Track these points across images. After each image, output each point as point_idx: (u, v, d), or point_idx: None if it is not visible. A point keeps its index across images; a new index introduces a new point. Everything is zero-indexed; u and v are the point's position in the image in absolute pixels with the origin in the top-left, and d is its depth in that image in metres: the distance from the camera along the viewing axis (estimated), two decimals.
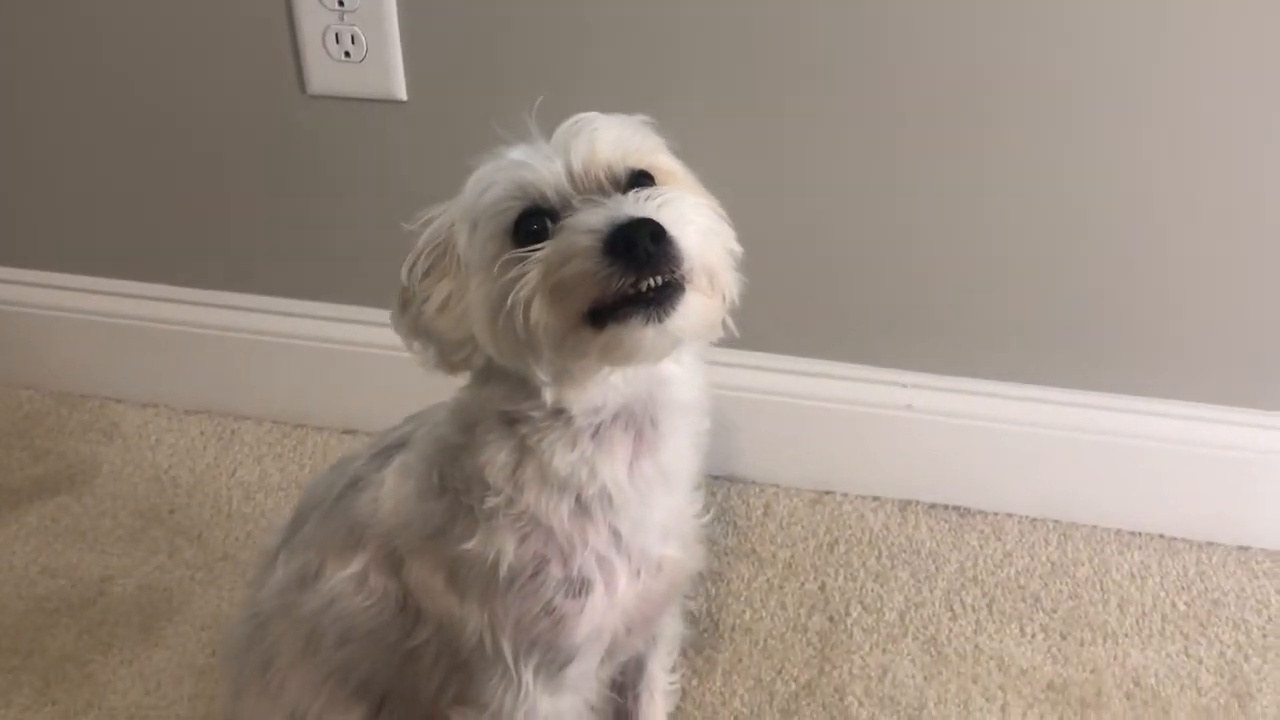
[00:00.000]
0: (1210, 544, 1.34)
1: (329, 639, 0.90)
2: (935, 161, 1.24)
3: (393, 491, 0.87)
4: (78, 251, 1.55)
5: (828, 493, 1.43)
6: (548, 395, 0.76)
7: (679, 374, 0.81)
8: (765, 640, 1.23)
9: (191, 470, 1.49)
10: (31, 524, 1.40)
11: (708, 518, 0.92)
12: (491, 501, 0.81)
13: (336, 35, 1.29)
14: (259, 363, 1.53)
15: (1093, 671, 1.19)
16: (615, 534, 0.83)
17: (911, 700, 1.16)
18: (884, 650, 1.22)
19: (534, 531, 0.82)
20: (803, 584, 1.30)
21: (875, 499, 1.42)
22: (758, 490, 1.43)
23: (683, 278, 0.70)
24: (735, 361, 1.38)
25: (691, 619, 1.23)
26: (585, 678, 0.88)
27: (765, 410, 1.40)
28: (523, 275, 0.71)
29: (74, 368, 1.60)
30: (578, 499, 0.81)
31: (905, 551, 1.35)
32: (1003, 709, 1.15)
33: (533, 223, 0.73)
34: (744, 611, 1.27)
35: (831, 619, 1.26)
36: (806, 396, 1.39)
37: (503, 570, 0.82)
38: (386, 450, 0.90)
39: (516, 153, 0.76)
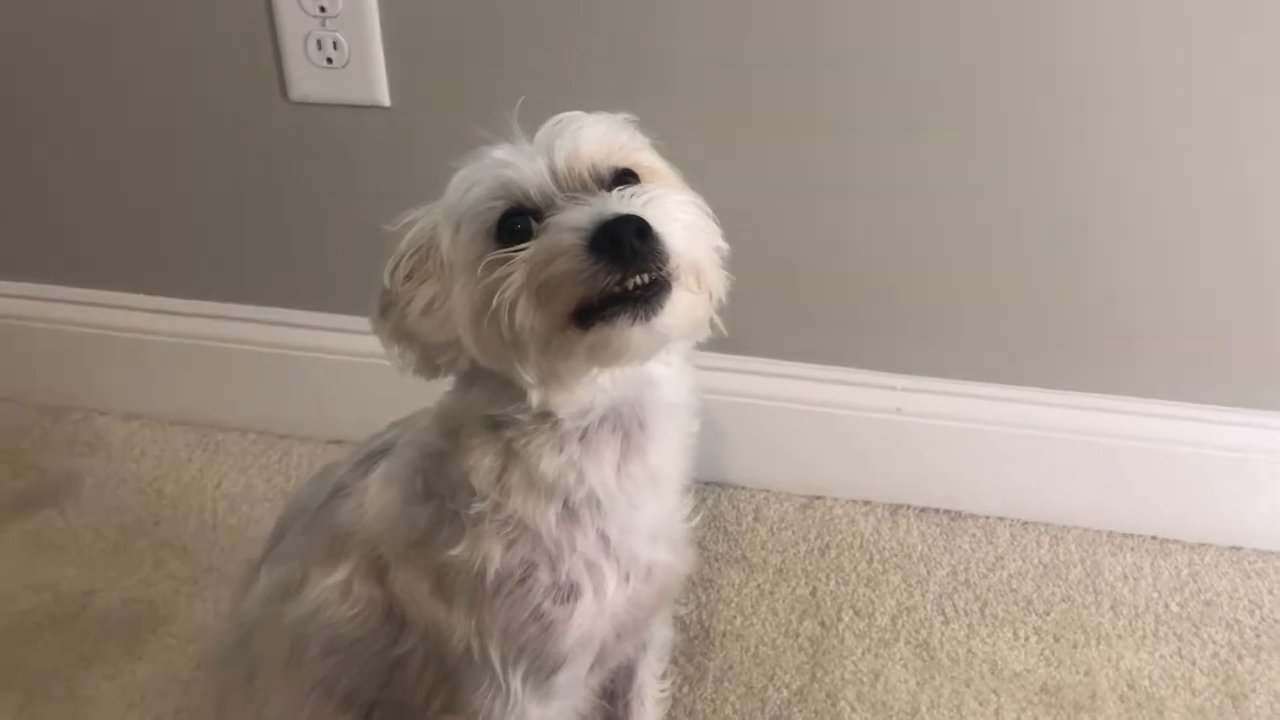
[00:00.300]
0: (1202, 545, 1.34)
1: (314, 649, 0.89)
2: (926, 164, 1.23)
3: (376, 498, 0.86)
4: (59, 262, 1.54)
5: (818, 497, 1.42)
6: (534, 398, 0.75)
7: (667, 375, 0.80)
8: (756, 646, 1.22)
9: (176, 482, 1.48)
10: (14, 539, 1.38)
11: (697, 521, 0.90)
12: (477, 507, 0.80)
13: (318, 41, 1.28)
14: (243, 373, 1.52)
15: (1086, 674, 1.18)
16: (604, 538, 0.82)
17: (904, 705, 1.15)
18: (876, 655, 1.21)
19: (521, 537, 0.81)
20: (794, 589, 1.29)
21: (866, 503, 1.41)
22: (748, 495, 1.42)
23: (669, 275, 0.69)
24: (725, 366, 1.37)
25: (682, 625, 1.23)
26: (574, 685, 0.87)
27: (755, 415, 1.39)
28: (507, 276, 0.70)
29: (56, 380, 1.59)
30: (565, 503, 0.80)
31: (896, 555, 1.34)
32: (996, 713, 1.14)
33: (516, 222, 0.72)
34: (735, 617, 1.26)
35: (823, 624, 1.25)
36: (796, 401, 1.38)
37: (490, 576, 0.81)
38: (370, 457, 0.89)
39: (499, 152, 0.75)
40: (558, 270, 0.69)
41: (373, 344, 0.83)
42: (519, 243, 0.71)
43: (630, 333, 0.69)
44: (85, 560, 1.35)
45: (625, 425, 0.80)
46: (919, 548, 1.35)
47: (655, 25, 1.22)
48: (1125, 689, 1.16)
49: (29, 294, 1.56)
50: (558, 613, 0.82)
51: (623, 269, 0.68)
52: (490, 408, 0.79)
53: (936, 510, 1.40)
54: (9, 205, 1.51)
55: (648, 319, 0.69)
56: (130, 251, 1.50)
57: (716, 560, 1.33)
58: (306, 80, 1.32)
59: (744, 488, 1.43)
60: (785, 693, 1.17)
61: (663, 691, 1.05)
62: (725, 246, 0.76)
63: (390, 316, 0.79)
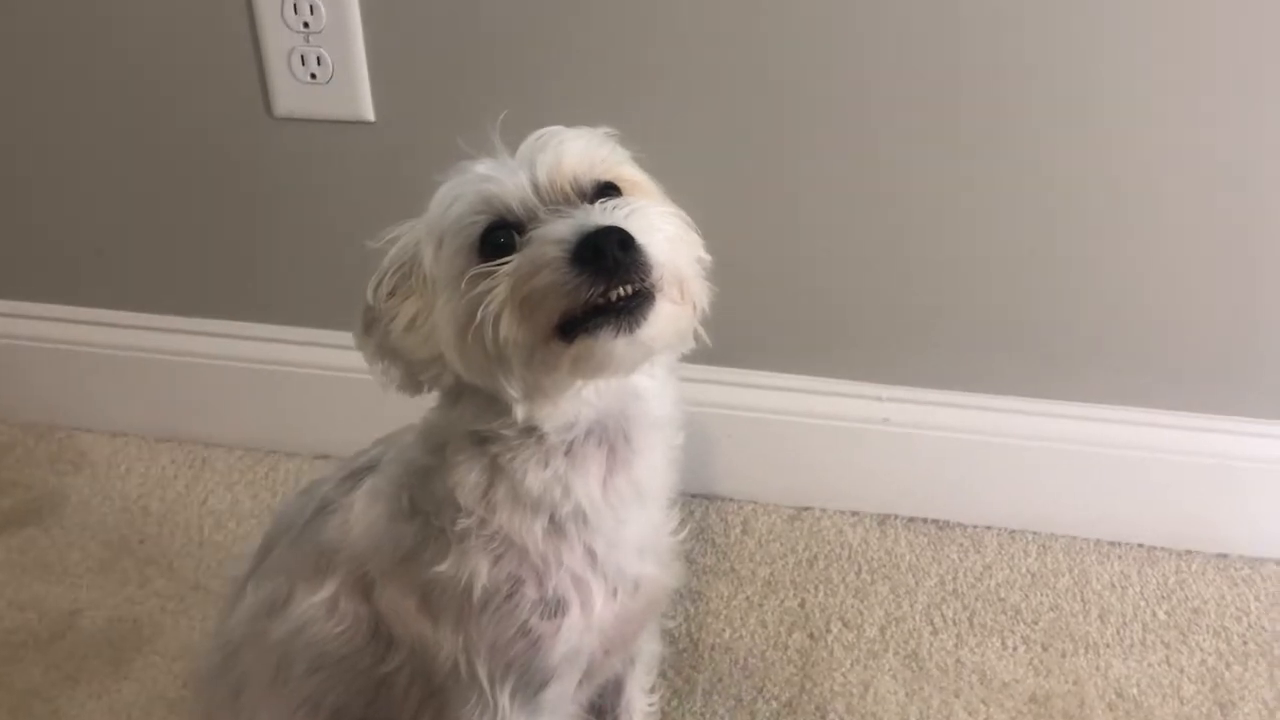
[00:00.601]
0: (1189, 552, 1.34)
1: (300, 666, 0.88)
2: (910, 174, 1.24)
3: (362, 515, 0.85)
4: (43, 279, 1.53)
5: (806, 508, 1.42)
6: (519, 412, 0.75)
7: (651, 388, 0.80)
8: (745, 659, 1.22)
9: (162, 499, 1.47)
10: None
11: (684, 535, 0.90)
12: (463, 523, 0.80)
13: (302, 57, 1.28)
14: (229, 389, 1.51)
15: (1075, 683, 1.18)
16: (590, 553, 0.82)
17: (894, 716, 1.15)
18: (865, 666, 1.21)
19: (507, 552, 0.81)
20: (782, 601, 1.29)
21: (854, 514, 1.41)
22: (736, 507, 1.42)
23: (653, 286, 0.69)
24: (711, 378, 1.37)
25: (671, 638, 1.22)
26: (562, 700, 0.87)
27: (742, 427, 1.39)
28: (491, 290, 0.70)
29: (40, 398, 1.58)
30: (551, 518, 0.80)
31: (885, 566, 1.34)
32: None
33: (499, 236, 0.72)
34: (724, 630, 1.25)
35: (812, 636, 1.25)
36: (783, 412, 1.38)
37: (476, 592, 0.80)
38: (355, 474, 0.89)
39: (481, 166, 0.75)
40: (541, 283, 0.69)
41: (359, 359, 0.83)
42: (502, 257, 0.71)
43: (614, 344, 0.69)
44: (70, 578, 1.34)
45: (610, 439, 0.79)
46: (907, 558, 1.35)
47: (640, 40, 1.22)
48: (1114, 697, 1.17)
49: (12, 311, 1.55)
50: (545, 628, 0.82)
51: (606, 280, 0.68)
52: (475, 423, 0.79)
53: (924, 520, 1.40)
54: None
55: (631, 330, 0.69)
56: (114, 268, 1.49)
57: (705, 573, 1.33)
58: (291, 96, 1.31)
59: (732, 500, 1.43)
60: (775, 705, 1.17)
61: (651, 705, 1.05)
62: (707, 258, 0.76)
63: (374, 333, 0.79)
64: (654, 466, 0.82)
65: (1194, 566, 1.32)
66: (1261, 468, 1.30)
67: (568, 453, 0.79)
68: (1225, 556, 1.33)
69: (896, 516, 1.40)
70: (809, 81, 1.21)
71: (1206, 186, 1.19)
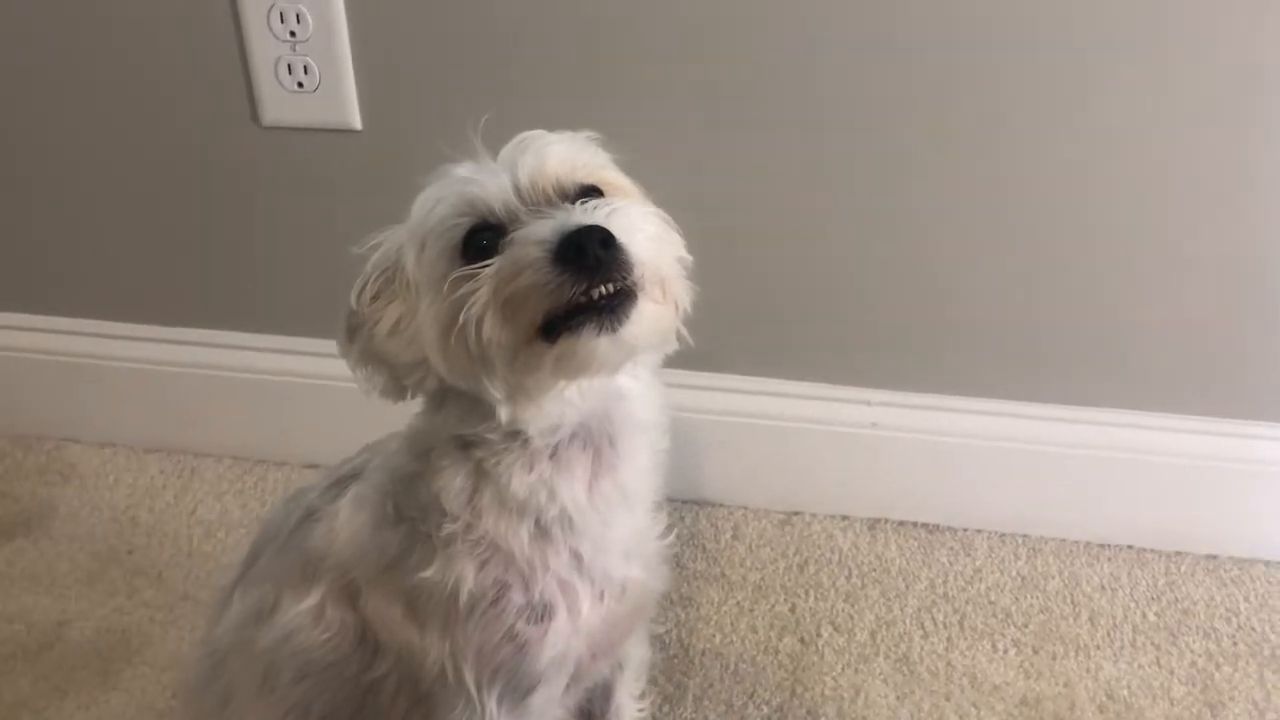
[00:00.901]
0: (1178, 554, 1.34)
1: (287, 674, 0.88)
2: (899, 178, 1.24)
3: (347, 522, 0.85)
4: (29, 290, 1.53)
5: (796, 513, 1.42)
6: (503, 414, 0.75)
7: (635, 390, 0.80)
8: (736, 664, 1.22)
9: (151, 509, 1.46)
10: None
11: (671, 539, 0.90)
12: (449, 528, 0.80)
13: (289, 66, 1.28)
14: (218, 399, 1.51)
15: (1065, 685, 1.18)
16: (576, 556, 0.82)
17: None
18: (856, 670, 1.21)
19: (493, 557, 0.81)
20: (773, 606, 1.29)
21: (844, 518, 1.41)
22: (726, 513, 1.42)
23: (634, 284, 0.70)
24: (699, 384, 1.37)
25: (661, 644, 1.22)
26: (550, 704, 0.86)
27: (731, 432, 1.39)
28: (474, 292, 0.70)
29: (28, 409, 1.57)
30: (537, 522, 0.80)
31: (875, 570, 1.34)
32: None
33: (482, 239, 0.72)
34: (714, 635, 1.25)
35: (802, 640, 1.24)
36: (772, 417, 1.38)
37: (463, 598, 0.80)
38: (341, 481, 0.89)
39: (463, 169, 0.76)
40: (524, 283, 0.69)
41: (346, 368, 0.83)
42: (484, 259, 0.71)
43: (596, 343, 0.70)
44: (59, 590, 1.34)
45: (595, 442, 0.80)
46: (897, 562, 1.35)
47: (624, 46, 1.23)
48: (1104, 699, 1.16)
49: None
50: (532, 633, 0.82)
51: (588, 279, 0.68)
52: (460, 427, 0.79)
53: (914, 524, 1.40)
54: None
55: (614, 329, 0.69)
56: (102, 278, 1.49)
57: (695, 578, 1.33)
58: (278, 105, 1.31)
59: (722, 505, 1.43)
60: (766, 710, 1.16)
61: (641, 711, 1.04)
62: (688, 258, 0.77)
63: (358, 338, 0.79)
64: (639, 470, 0.82)
65: (1183, 568, 1.32)
66: (1250, 469, 1.30)
67: (553, 456, 0.79)
68: (1214, 558, 1.34)
69: (886, 521, 1.40)
70: (796, 84, 1.21)
71: (1201, 189, 1.19)
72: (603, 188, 0.76)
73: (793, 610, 1.28)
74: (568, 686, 0.88)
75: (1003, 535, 1.38)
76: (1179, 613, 1.27)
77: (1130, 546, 1.35)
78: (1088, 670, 1.20)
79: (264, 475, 1.51)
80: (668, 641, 1.24)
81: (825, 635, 1.25)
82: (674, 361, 0.83)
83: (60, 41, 1.35)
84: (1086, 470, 1.33)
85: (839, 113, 1.22)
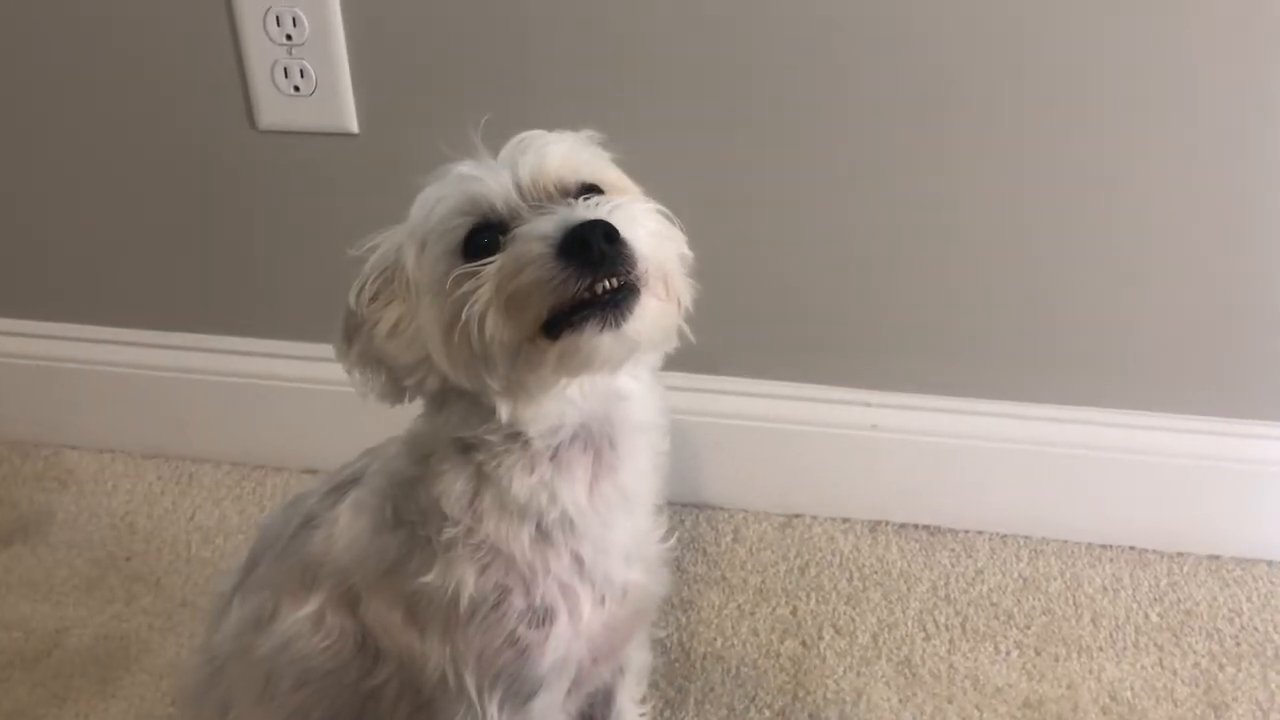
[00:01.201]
0: (1181, 554, 1.34)
1: (287, 681, 0.87)
2: (895, 179, 1.24)
3: (347, 528, 0.85)
4: (26, 296, 1.52)
5: (797, 516, 1.41)
6: (504, 412, 0.75)
7: (636, 391, 0.80)
8: (737, 668, 1.21)
9: (149, 516, 1.46)
10: None
11: (672, 542, 0.90)
12: (449, 532, 0.80)
13: (285, 69, 1.28)
14: (216, 404, 1.50)
15: (1068, 687, 1.18)
16: (577, 560, 0.82)
17: None
18: (858, 674, 1.20)
19: (494, 561, 0.80)
20: (774, 609, 1.29)
21: (845, 521, 1.41)
22: (726, 516, 1.42)
23: (638, 280, 0.70)
24: (699, 386, 1.37)
25: (663, 648, 1.22)
26: (551, 709, 0.86)
27: (731, 435, 1.39)
28: (476, 289, 0.70)
29: (25, 415, 1.57)
30: (538, 525, 0.80)
31: (876, 573, 1.33)
32: None
33: (483, 237, 0.72)
34: (715, 639, 1.25)
35: (804, 643, 1.24)
36: (772, 419, 1.38)
37: (463, 602, 0.80)
38: (340, 486, 0.88)
39: (464, 167, 0.75)
40: (527, 279, 0.68)
41: (344, 371, 0.82)
42: (486, 257, 0.71)
43: (600, 339, 0.69)
44: (57, 597, 1.33)
45: (596, 443, 0.79)
46: (899, 564, 1.34)
47: (622, 47, 1.22)
48: (1107, 701, 1.16)
49: None
50: (533, 637, 0.81)
51: (592, 273, 0.68)
52: (460, 430, 0.78)
53: (915, 526, 1.39)
54: None
55: (617, 325, 0.69)
56: (99, 284, 1.49)
57: (696, 582, 1.32)
58: (274, 108, 1.31)
59: (722, 508, 1.43)
60: (767, 714, 1.16)
61: (642, 715, 1.04)
62: (690, 255, 0.77)
63: (357, 340, 0.79)
64: (640, 472, 0.81)
65: (1186, 568, 1.32)
66: (1252, 469, 1.30)
67: (553, 458, 0.78)
68: (1217, 558, 1.33)
69: (887, 523, 1.40)
70: (797, 86, 1.21)
71: (1197, 189, 1.19)
72: (603, 186, 0.76)
73: (794, 613, 1.28)
74: (569, 691, 0.88)
75: (1004, 537, 1.37)
76: (1182, 613, 1.26)
77: (1132, 547, 1.35)
78: (1090, 672, 1.19)
79: (262, 480, 1.51)
80: (669, 645, 1.23)
81: (827, 638, 1.25)
82: (674, 364, 0.83)
83: (57, 45, 1.34)
84: (1088, 471, 1.33)
85: (840, 114, 1.21)
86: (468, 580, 0.80)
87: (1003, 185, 1.22)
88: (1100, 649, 1.22)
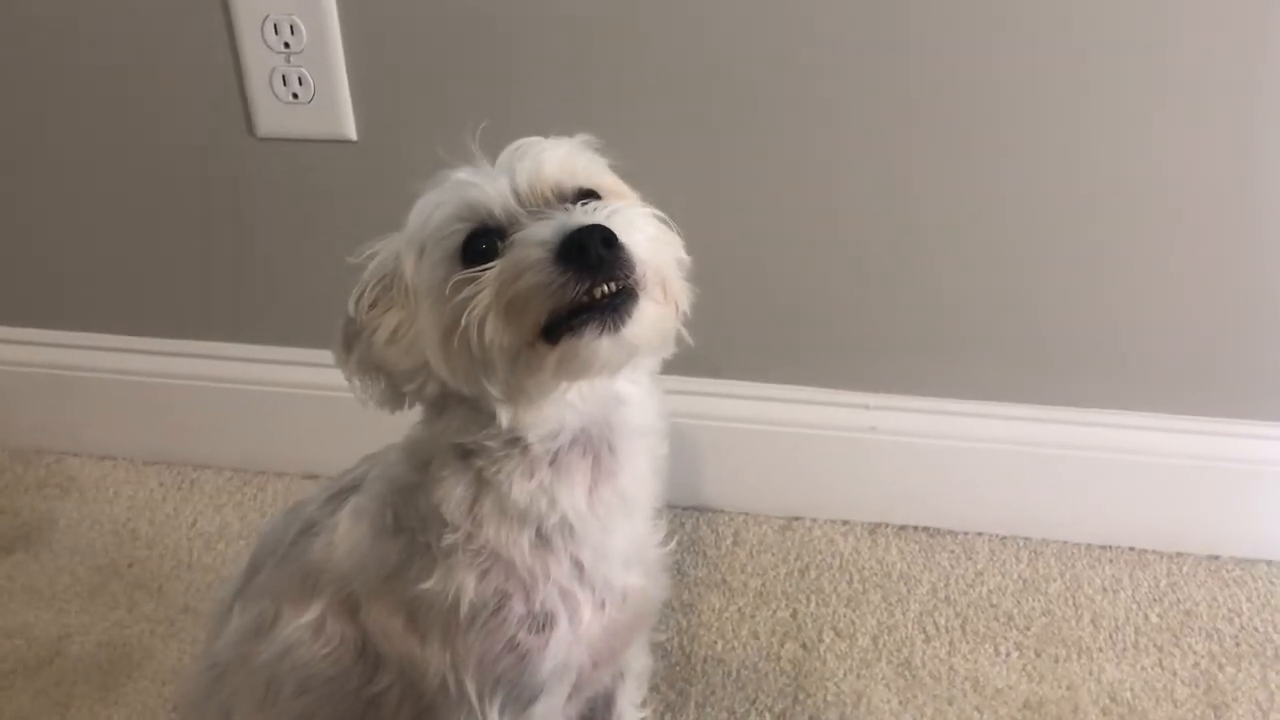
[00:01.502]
0: (1180, 555, 1.34)
1: (288, 688, 0.88)
2: (893, 182, 1.24)
3: (347, 534, 0.85)
4: (27, 304, 1.53)
5: (797, 519, 1.42)
6: (503, 417, 0.75)
7: (634, 395, 0.80)
8: (738, 671, 1.21)
9: (151, 522, 1.46)
10: None
11: (672, 546, 0.90)
12: (449, 538, 0.80)
13: (284, 77, 1.28)
14: (217, 410, 1.51)
15: (1068, 688, 1.18)
16: (577, 565, 0.82)
17: None
18: (858, 676, 1.20)
19: (494, 566, 0.80)
20: (774, 612, 1.29)
21: (844, 523, 1.41)
22: (726, 519, 1.42)
23: (636, 284, 0.70)
24: (698, 390, 1.37)
25: (663, 651, 1.22)
26: (552, 714, 0.86)
27: (731, 438, 1.39)
28: (475, 295, 0.70)
29: (27, 422, 1.57)
30: (538, 530, 0.80)
31: (876, 575, 1.33)
32: None
33: (481, 243, 0.72)
34: (716, 642, 1.25)
35: (804, 646, 1.24)
36: (771, 422, 1.38)
37: (463, 608, 0.80)
38: (340, 493, 0.88)
39: (462, 173, 0.76)
40: (526, 284, 0.69)
41: (344, 377, 0.83)
42: (484, 263, 0.71)
43: (599, 344, 0.70)
44: (59, 604, 1.34)
45: (595, 448, 0.79)
46: (899, 566, 1.35)
47: (620, 52, 1.22)
48: (1107, 702, 1.16)
49: None
50: (533, 642, 0.82)
51: (590, 278, 0.68)
52: (460, 435, 0.79)
53: (915, 528, 1.40)
54: None
55: (616, 329, 0.69)
56: (100, 292, 1.49)
57: (697, 585, 1.32)
58: (273, 116, 1.31)
59: (722, 511, 1.43)
60: (768, 717, 1.16)
61: (642, 719, 1.04)
62: (688, 258, 0.77)
63: (356, 347, 0.79)
64: (639, 476, 0.82)
65: (1185, 569, 1.32)
66: (1251, 469, 1.30)
67: (553, 463, 0.78)
68: (1217, 558, 1.33)
69: (887, 525, 1.40)
70: (794, 88, 1.21)
71: (1198, 189, 1.19)
72: (600, 192, 0.76)
73: (794, 616, 1.28)
74: (570, 696, 0.88)
75: (1004, 538, 1.37)
76: (1181, 614, 1.26)
77: (1132, 548, 1.35)
78: (1090, 673, 1.20)
79: (264, 486, 1.51)
80: (670, 649, 1.23)
81: (827, 641, 1.25)
82: (673, 367, 0.83)
83: (55, 55, 1.35)
84: (1087, 472, 1.33)
85: (837, 116, 1.22)
86: (468, 586, 0.80)
87: (1002, 187, 1.22)
88: (1100, 650, 1.22)
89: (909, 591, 1.31)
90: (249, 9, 1.26)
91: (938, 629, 1.26)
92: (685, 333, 0.77)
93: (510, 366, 0.72)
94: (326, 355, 0.84)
